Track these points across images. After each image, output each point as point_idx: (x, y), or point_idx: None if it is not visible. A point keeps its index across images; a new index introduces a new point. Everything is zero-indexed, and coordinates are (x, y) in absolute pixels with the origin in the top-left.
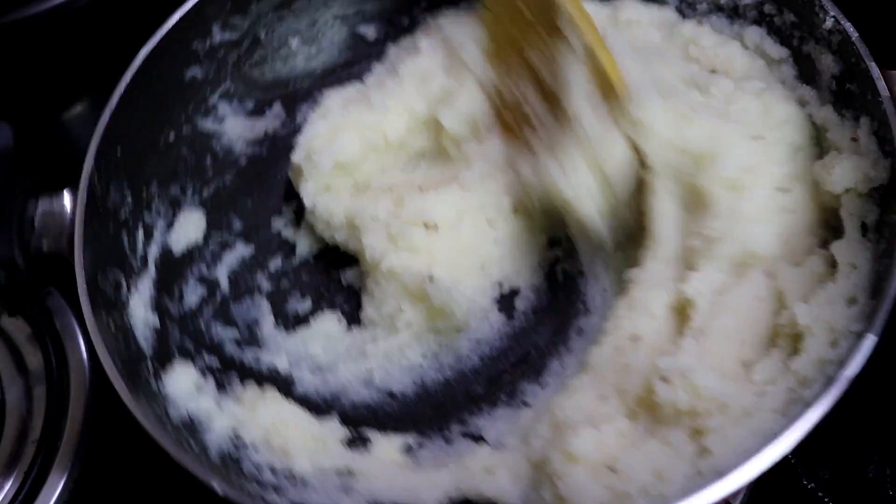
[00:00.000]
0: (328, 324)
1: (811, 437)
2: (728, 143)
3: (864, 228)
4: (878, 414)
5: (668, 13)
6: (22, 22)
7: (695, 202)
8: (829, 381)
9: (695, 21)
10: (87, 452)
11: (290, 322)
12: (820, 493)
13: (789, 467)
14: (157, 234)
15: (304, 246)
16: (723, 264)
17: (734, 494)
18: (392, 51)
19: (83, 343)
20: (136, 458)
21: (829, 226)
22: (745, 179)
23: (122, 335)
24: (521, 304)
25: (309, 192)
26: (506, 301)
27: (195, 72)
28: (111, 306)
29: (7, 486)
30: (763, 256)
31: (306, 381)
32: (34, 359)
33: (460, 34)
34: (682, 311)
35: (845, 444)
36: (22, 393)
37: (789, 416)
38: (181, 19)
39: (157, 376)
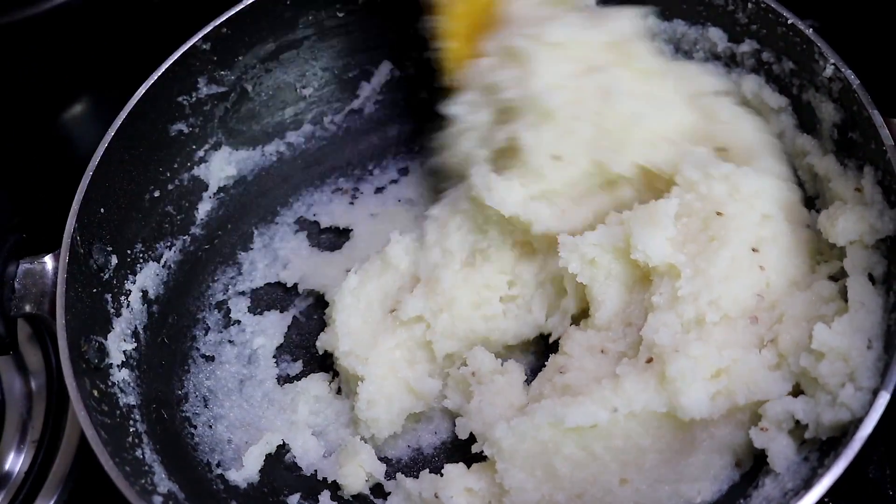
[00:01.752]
0: (317, 386)
1: None
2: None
3: (871, 281)
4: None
5: None
6: (22, 22)
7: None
8: (843, 442)
9: None
10: (88, 453)
11: (281, 382)
12: None
13: None
14: (142, 295)
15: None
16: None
17: None
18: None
19: None
20: None
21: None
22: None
23: (105, 401)
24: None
25: None
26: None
27: (181, 126)
28: (94, 371)
29: (7, 486)
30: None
31: (299, 446)
32: (34, 359)
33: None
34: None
35: None
36: (22, 393)
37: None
38: (165, 73)
39: (143, 444)
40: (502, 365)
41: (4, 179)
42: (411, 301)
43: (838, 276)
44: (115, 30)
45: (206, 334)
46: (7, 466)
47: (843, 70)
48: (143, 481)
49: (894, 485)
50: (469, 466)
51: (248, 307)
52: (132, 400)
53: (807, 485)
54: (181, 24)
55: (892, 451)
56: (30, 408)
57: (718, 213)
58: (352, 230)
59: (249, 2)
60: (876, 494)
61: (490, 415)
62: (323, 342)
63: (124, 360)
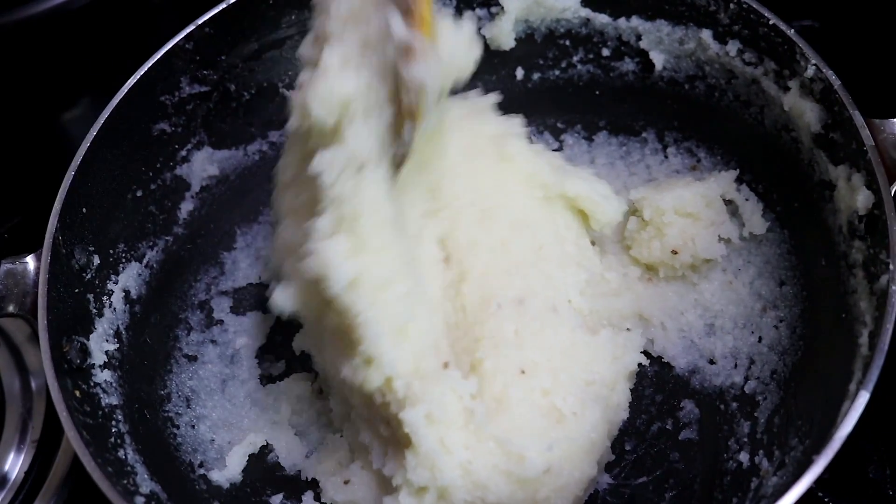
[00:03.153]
0: (299, 386)
1: None
2: None
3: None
4: (878, 414)
5: None
6: (22, 22)
7: None
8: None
9: None
10: None
11: (264, 382)
12: (820, 493)
13: None
14: (125, 295)
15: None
16: None
17: None
18: None
19: None
20: None
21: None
22: None
23: (87, 402)
24: None
25: None
26: None
27: (163, 126)
28: (76, 372)
29: (7, 486)
30: None
31: (282, 446)
32: (34, 359)
33: None
34: None
35: (845, 443)
36: (22, 393)
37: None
38: (148, 72)
39: (125, 445)
40: None
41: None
42: None
43: None
44: (116, 30)
45: (188, 334)
46: (7, 466)
47: (824, 70)
48: (125, 482)
49: (894, 485)
50: None
51: (231, 307)
52: (114, 400)
53: (785, 487)
54: (182, 23)
55: (892, 451)
56: (30, 408)
57: None
58: None
59: (232, 1)
60: (876, 494)
61: None
62: (299, 343)
63: (106, 360)
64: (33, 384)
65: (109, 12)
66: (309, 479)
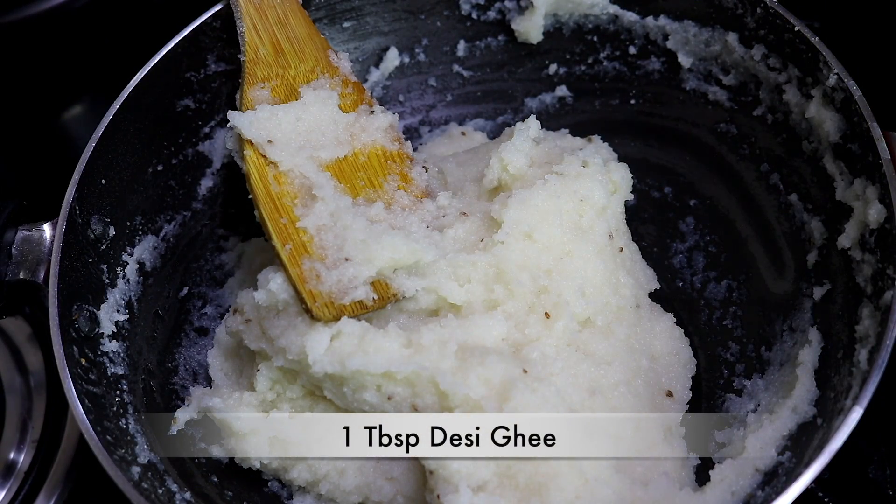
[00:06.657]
0: None
1: None
2: None
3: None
4: (878, 415)
5: None
6: (22, 22)
7: None
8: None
9: None
10: (88, 452)
11: None
12: (820, 493)
13: None
14: (139, 267)
15: None
16: None
17: None
18: None
19: None
20: None
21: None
22: None
23: (93, 370)
24: None
25: None
26: None
27: (187, 102)
28: (84, 340)
29: (7, 486)
30: None
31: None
32: (34, 359)
33: None
34: None
35: (846, 444)
36: (22, 393)
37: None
38: (174, 48)
39: (127, 414)
40: None
41: (6, 151)
42: None
43: None
44: (116, 29)
45: (200, 308)
46: (7, 466)
47: (845, 80)
48: (123, 451)
49: (894, 485)
50: None
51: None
52: (120, 370)
53: (775, 494)
54: (183, 23)
55: (892, 451)
56: (30, 408)
57: None
58: None
59: None
60: (876, 494)
61: None
62: None
63: (115, 330)
64: (33, 384)
65: (110, 12)
66: None
